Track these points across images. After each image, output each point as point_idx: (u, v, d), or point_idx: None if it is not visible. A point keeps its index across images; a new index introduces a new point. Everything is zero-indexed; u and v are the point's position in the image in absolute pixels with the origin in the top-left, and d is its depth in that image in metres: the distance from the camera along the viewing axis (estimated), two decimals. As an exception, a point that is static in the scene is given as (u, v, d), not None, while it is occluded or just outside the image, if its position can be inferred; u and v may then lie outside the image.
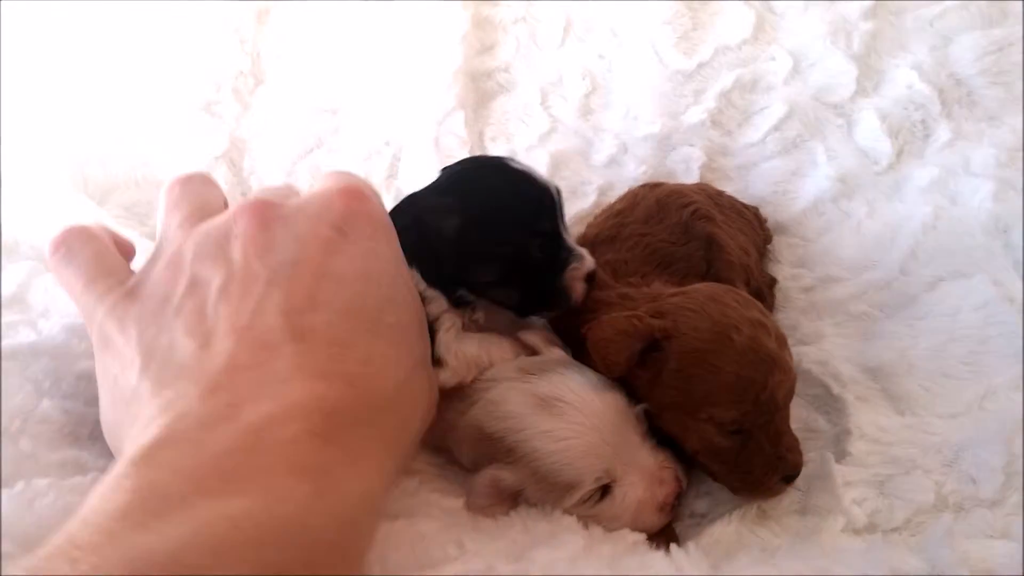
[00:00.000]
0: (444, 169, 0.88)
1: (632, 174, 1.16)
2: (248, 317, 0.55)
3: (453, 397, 0.81)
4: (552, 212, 0.83)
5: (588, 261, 0.84)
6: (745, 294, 0.83)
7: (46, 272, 0.94)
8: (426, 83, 1.24)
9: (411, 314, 0.67)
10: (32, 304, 0.91)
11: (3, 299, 0.90)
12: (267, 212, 0.61)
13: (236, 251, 0.59)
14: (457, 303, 0.83)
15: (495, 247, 0.81)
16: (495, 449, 0.77)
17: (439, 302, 0.82)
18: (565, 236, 0.84)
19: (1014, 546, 0.64)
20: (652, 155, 1.17)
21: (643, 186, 1.06)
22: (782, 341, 0.78)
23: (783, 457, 0.75)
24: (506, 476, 0.75)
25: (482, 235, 0.80)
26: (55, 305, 0.89)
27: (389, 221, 0.67)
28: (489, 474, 0.76)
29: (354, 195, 0.64)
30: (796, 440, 0.77)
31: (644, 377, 0.77)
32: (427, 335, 0.71)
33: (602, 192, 1.16)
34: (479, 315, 0.86)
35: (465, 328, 0.84)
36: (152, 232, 1.13)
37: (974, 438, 0.74)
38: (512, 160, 0.86)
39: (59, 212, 1.09)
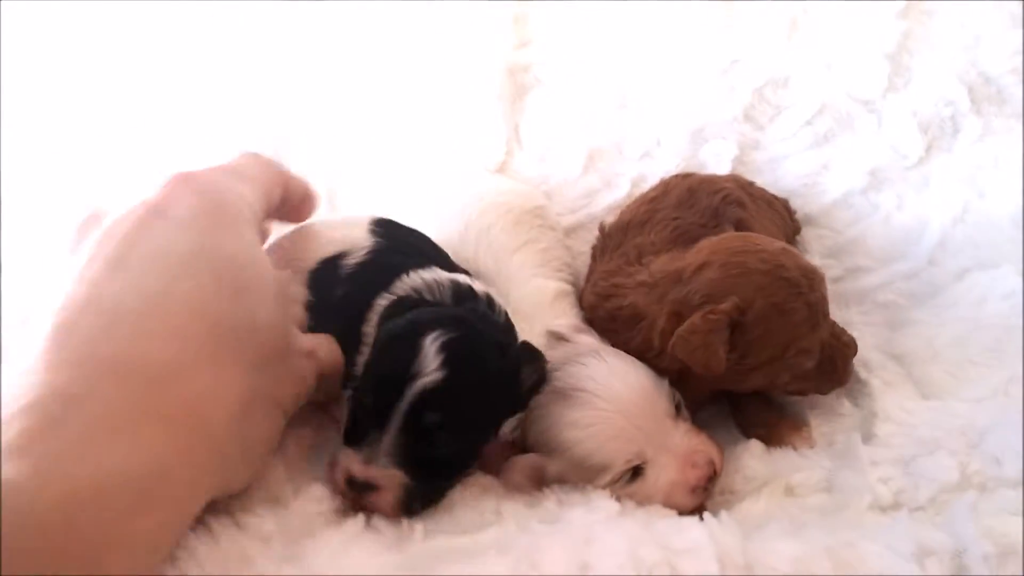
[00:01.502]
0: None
1: (665, 166, 1.18)
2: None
3: None
4: (393, 396, 0.71)
5: (355, 466, 0.71)
6: (744, 232, 0.89)
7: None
8: (464, 77, 1.27)
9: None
10: None
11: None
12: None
13: None
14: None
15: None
16: (537, 446, 0.81)
17: None
18: (390, 430, 0.71)
19: (1037, 523, 0.65)
20: (685, 148, 1.19)
21: (675, 175, 1.09)
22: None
23: (847, 343, 0.86)
24: (548, 464, 0.79)
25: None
26: None
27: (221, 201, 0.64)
28: (531, 458, 0.80)
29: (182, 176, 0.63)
30: (837, 325, 0.87)
31: (731, 359, 0.81)
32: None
33: (635, 184, 1.19)
34: None
35: None
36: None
37: (998, 421, 0.76)
38: (436, 342, 0.72)
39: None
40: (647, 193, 1.08)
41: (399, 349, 0.72)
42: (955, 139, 1.08)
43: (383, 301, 0.82)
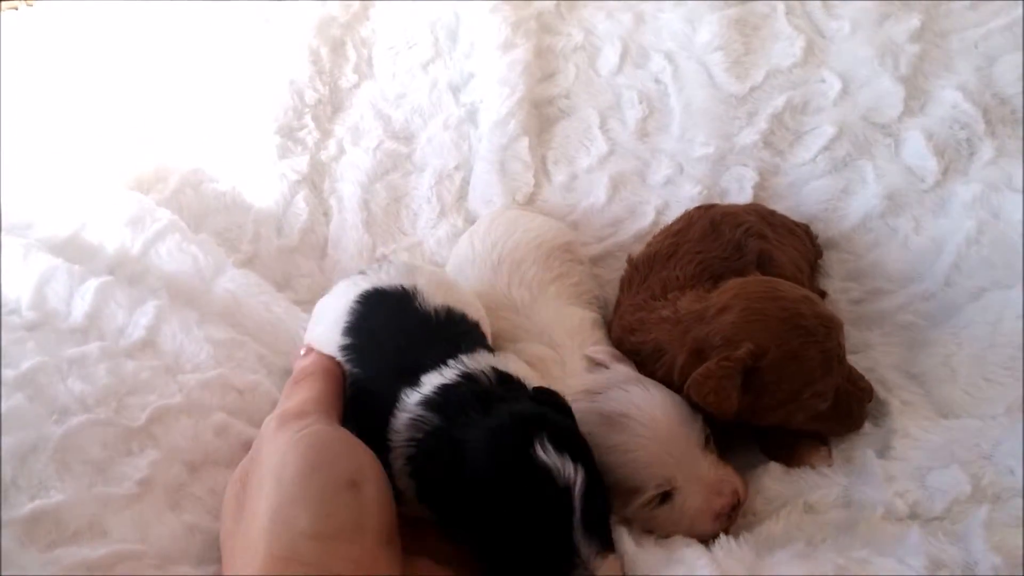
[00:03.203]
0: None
1: (688, 193, 1.23)
2: None
3: None
4: (564, 518, 0.69)
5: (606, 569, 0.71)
6: (768, 278, 0.93)
7: (172, 312, 1.03)
8: (491, 111, 1.33)
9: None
10: (165, 349, 1.00)
11: (135, 343, 0.99)
12: None
13: None
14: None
15: (476, 527, 0.72)
16: None
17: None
18: (580, 545, 0.70)
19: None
20: (707, 175, 1.24)
21: (698, 208, 1.14)
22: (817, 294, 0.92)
23: (863, 388, 0.91)
24: None
25: (468, 507, 0.71)
26: (185, 352, 1.00)
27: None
28: None
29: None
30: (855, 370, 0.91)
31: (746, 400, 0.85)
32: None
33: (659, 211, 1.23)
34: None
35: None
36: (246, 258, 1.25)
37: (1012, 433, 0.79)
38: (547, 441, 0.71)
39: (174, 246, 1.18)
40: (672, 225, 1.12)
41: (532, 471, 0.69)
42: (970, 161, 1.12)
43: (410, 399, 0.79)
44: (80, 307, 0.98)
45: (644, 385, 0.88)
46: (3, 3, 1.59)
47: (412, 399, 0.78)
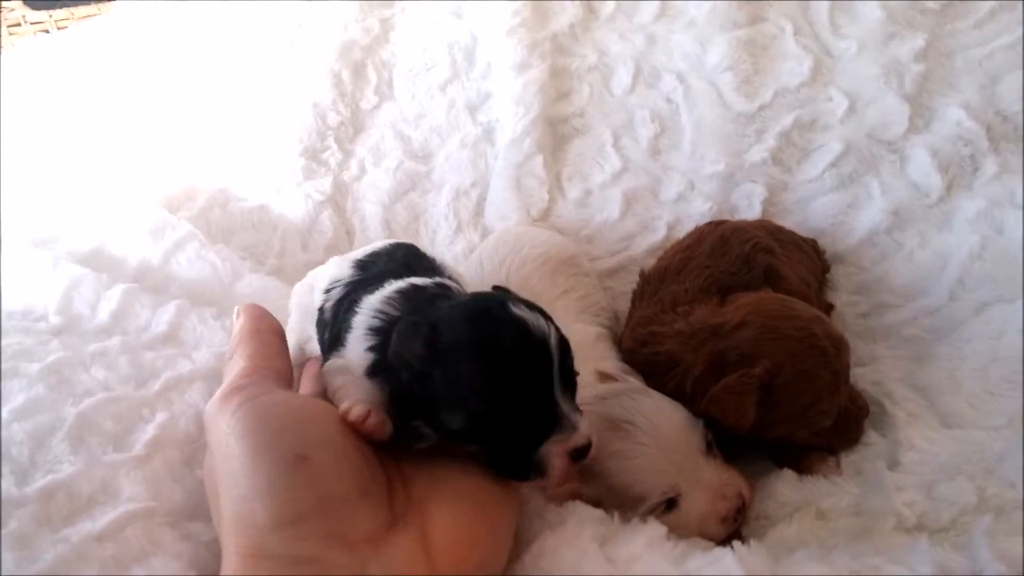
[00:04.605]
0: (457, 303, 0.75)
1: (699, 209, 1.27)
2: None
3: None
4: (545, 372, 0.69)
5: (580, 435, 0.70)
6: (781, 295, 0.96)
7: (192, 309, 1.09)
8: (507, 130, 1.37)
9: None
10: (185, 340, 1.06)
11: (156, 337, 1.05)
12: None
13: None
14: (408, 435, 0.72)
15: (465, 396, 0.68)
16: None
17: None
18: (559, 400, 0.70)
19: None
20: (717, 192, 1.28)
21: (708, 223, 1.17)
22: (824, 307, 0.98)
23: (861, 407, 0.95)
24: (586, 490, 0.86)
25: (451, 380, 0.68)
26: (204, 340, 1.05)
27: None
28: (570, 486, 0.87)
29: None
30: (854, 388, 0.95)
31: (759, 414, 0.88)
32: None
33: (671, 227, 1.27)
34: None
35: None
36: (271, 270, 1.30)
37: (1014, 446, 0.82)
38: (517, 303, 0.72)
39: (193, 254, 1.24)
40: (682, 240, 1.16)
41: (510, 324, 0.69)
42: (974, 177, 1.15)
43: (371, 297, 0.78)
44: (106, 308, 1.05)
45: (651, 395, 0.91)
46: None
47: (375, 296, 0.78)
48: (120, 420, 0.87)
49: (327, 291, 0.88)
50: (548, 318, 0.72)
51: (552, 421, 0.69)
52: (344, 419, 0.70)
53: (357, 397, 0.71)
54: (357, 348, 0.75)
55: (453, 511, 0.68)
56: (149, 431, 0.86)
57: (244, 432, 0.66)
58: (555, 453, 0.70)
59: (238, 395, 0.69)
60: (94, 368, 0.93)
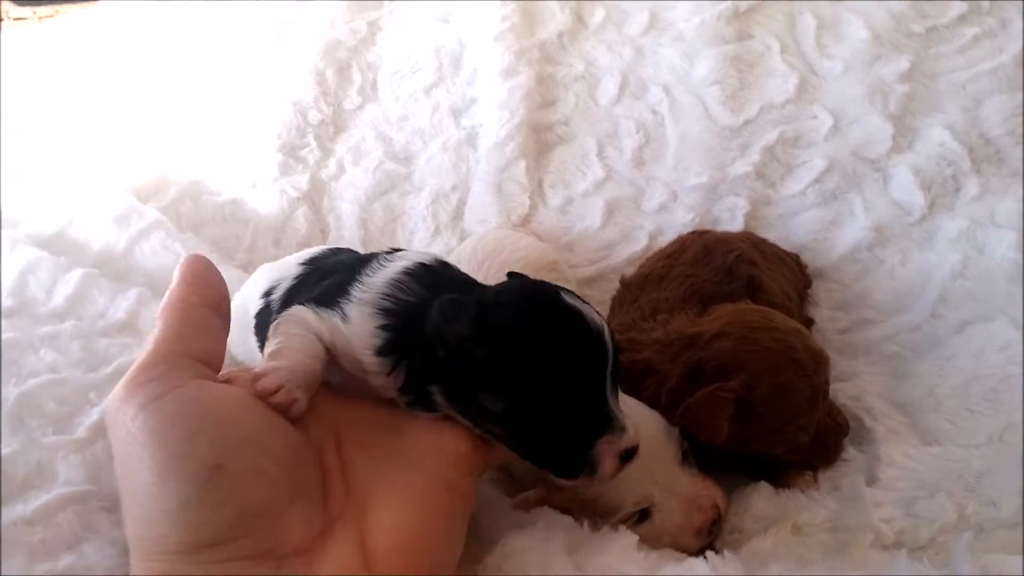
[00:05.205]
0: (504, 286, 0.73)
1: (681, 220, 1.26)
2: None
3: None
4: (600, 367, 0.67)
5: (629, 436, 0.69)
6: (761, 307, 0.94)
7: (153, 300, 1.07)
8: (491, 134, 1.36)
9: None
10: (143, 329, 1.03)
11: (114, 324, 1.03)
12: None
13: None
14: (419, 401, 0.69)
15: (515, 381, 0.64)
16: (546, 473, 0.85)
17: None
18: (610, 398, 0.68)
19: (1031, 561, 0.70)
20: (700, 203, 1.27)
21: (692, 233, 1.16)
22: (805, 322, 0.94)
23: (840, 424, 0.93)
24: (555, 498, 0.83)
25: (500, 363, 0.64)
26: None
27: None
28: (540, 492, 0.85)
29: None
30: (834, 404, 0.92)
31: (733, 428, 0.86)
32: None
33: (652, 236, 1.26)
34: None
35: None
36: (240, 265, 1.27)
37: (995, 465, 0.81)
38: (568, 293, 0.69)
39: (158, 244, 1.21)
40: (665, 249, 1.15)
41: (569, 314, 0.66)
42: (956, 197, 1.15)
43: (372, 278, 0.73)
44: (62, 292, 1.02)
45: (625, 401, 0.88)
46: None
47: (377, 276, 0.72)
48: (64, 403, 0.84)
49: (266, 294, 0.85)
50: (598, 313, 0.69)
51: (605, 419, 0.67)
52: (253, 388, 0.62)
53: (283, 365, 0.65)
54: (366, 325, 0.69)
55: (397, 511, 0.62)
56: (94, 415, 0.83)
57: (148, 441, 0.55)
58: (607, 453, 0.67)
59: (140, 392, 0.57)
60: (43, 350, 0.90)
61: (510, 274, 0.79)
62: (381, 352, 0.68)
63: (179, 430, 0.56)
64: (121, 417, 0.57)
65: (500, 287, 0.72)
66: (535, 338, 0.64)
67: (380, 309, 0.69)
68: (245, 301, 0.90)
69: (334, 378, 0.71)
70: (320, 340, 0.69)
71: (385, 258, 0.75)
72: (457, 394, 0.67)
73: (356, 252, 0.89)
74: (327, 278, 0.77)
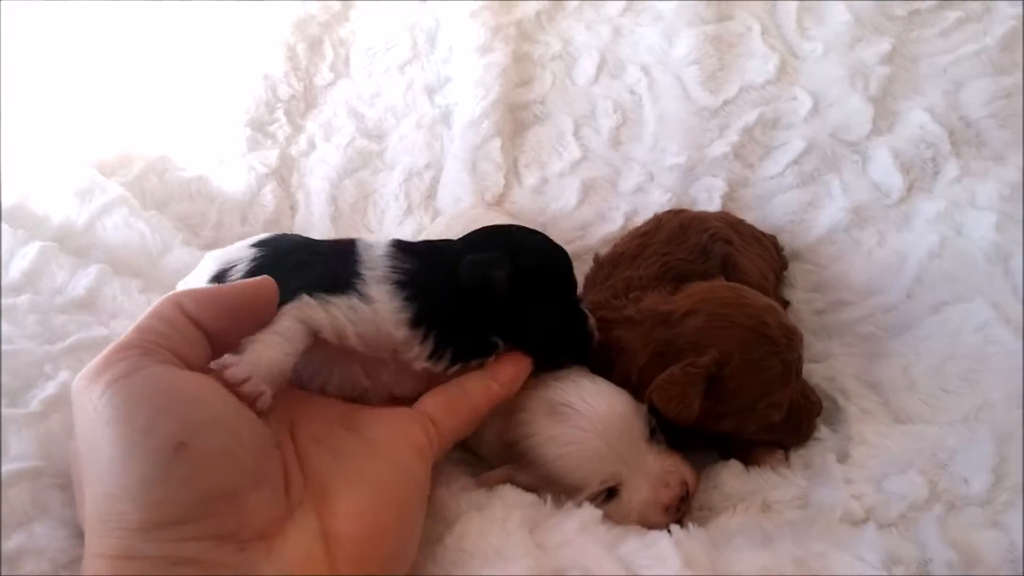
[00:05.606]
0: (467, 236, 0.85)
1: (657, 201, 1.24)
2: None
3: None
4: (572, 269, 0.86)
5: (590, 315, 0.88)
6: (735, 284, 0.92)
7: (114, 277, 1.03)
8: (465, 111, 1.33)
9: None
10: (101, 309, 1.00)
11: (72, 300, 0.99)
12: None
13: None
14: (472, 353, 0.78)
15: (545, 296, 0.81)
16: (512, 452, 0.83)
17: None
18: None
19: (1002, 535, 0.68)
20: (677, 184, 1.25)
21: (668, 211, 1.14)
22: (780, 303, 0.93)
23: (814, 403, 0.90)
24: (520, 476, 0.81)
25: (533, 285, 0.79)
26: (124, 311, 0.99)
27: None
28: (504, 471, 0.82)
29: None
30: (807, 383, 0.90)
31: (706, 405, 0.83)
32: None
33: (628, 217, 1.24)
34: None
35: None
36: (205, 243, 1.24)
37: (967, 443, 0.78)
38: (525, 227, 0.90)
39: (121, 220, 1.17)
40: (640, 227, 1.12)
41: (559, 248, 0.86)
42: (935, 179, 1.13)
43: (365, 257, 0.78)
44: (18, 266, 0.98)
45: (592, 379, 0.86)
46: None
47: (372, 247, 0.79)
48: (17, 375, 0.80)
49: (216, 277, 0.83)
50: None
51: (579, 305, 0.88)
52: (222, 378, 0.62)
53: (251, 359, 0.64)
54: (392, 301, 0.74)
55: (356, 499, 0.62)
56: (49, 388, 0.79)
57: (113, 417, 0.54)
58: (594, 325, 0.88)
59: (109, 371, 0.56)
60: (-6, 324, 0.86)
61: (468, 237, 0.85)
62: (414, 323, 0.73)
63: (146, 407, 0.55)
64: (88, 395, 0.56)
65: (487, 239, 0.83)
66: (550, 260, 0.83)
67: (396, 283, 0.74)
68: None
69: (302, 372, 0.74)
70: (314, 334, 0.70)
71: (360, 241, 0.79)
72: (512, 329, 0.79)
73: (303, 236, 0.90)
74: (302, 263, 0.77)
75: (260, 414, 0.63)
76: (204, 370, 0.63)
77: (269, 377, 0.64)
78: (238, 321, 0.66)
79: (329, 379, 0.76)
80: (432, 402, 0.74)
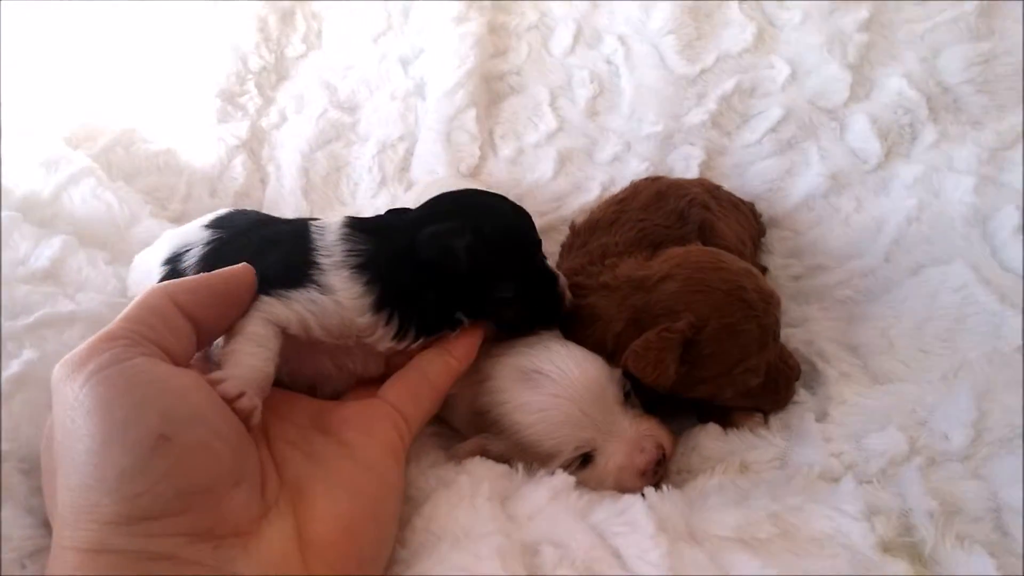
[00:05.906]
0: (426, 203, 0.83)
1: (635, 170, 1.22)
2: None
3: None
4: (535, 229, 0.85)
5: (561, 275, 0.87)
6: (712, 248, 0.90)
7: (80, 249, 1.00)
8: (440, 82, 1.31)
9: None
10: (66, 281, 0.97)
11: (35, 272, 0.96)
12: None
13: None
14: (436, 327, 0.78)
15: (509, 264, 0.79)
16: (484, 421, 0.81)
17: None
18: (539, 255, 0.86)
19: (983, 485, 0.67)
20: (654, 153, 1.23)
21: (645, 179, 1.12)
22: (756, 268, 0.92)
23: (792, 367, 0.89)
24: (492, 446, 0.80)
25: (496, 254, 0.77)
26: (90, 283, 0.96)
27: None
28: (476, 441, 0.81)
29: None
30: (785, 348, 0.89)
31: (683, 371, 0.81)
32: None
33: (605, 187, 1.22)
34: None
35: None
36: (173, 216, 1.21)
37: (946, 399, 0.78)
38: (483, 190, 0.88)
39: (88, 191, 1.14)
40: (617, 194, 1.10)
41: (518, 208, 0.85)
42: (913, 144, 1.12)
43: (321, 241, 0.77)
44: None
45: (565, 344, 0.84)
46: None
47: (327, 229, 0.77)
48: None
49: (170, 261, 0.82)
50: None
51: (548, 268, 0.86)
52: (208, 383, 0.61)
53: (238, 374, 0.64)
54: (352, 288, 0.72)
55: (332, 500, 0.62)
56: (13, 367, 0.76)
57: (94, 407, 0.53)
58: (565, 287, 0.87)
59: (93, 360, 0.55)
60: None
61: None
62: (377, 307, 0.73)
63: (128, 399, 0.54)
64: (70, 383, 0.55)
65: (445, 207, 0.81)
66: (511, 222, 0.82)
67: (355, 267, 0.73)
68: (149, 270, 0.86)
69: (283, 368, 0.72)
70: (283, 333, 0.69)
71: (312, 225, 0.78)
72: (475, 302, 0.78)
73: (259, 212, 0.90)
74: (259, 251, 0.75)
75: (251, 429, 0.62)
76: (188, 363, 0.62)
77: (256, 387, 0.64)
78: (224, 308, 0.66)
79: (298, 369, 0.75)
80: (397, 393, 0.74)
